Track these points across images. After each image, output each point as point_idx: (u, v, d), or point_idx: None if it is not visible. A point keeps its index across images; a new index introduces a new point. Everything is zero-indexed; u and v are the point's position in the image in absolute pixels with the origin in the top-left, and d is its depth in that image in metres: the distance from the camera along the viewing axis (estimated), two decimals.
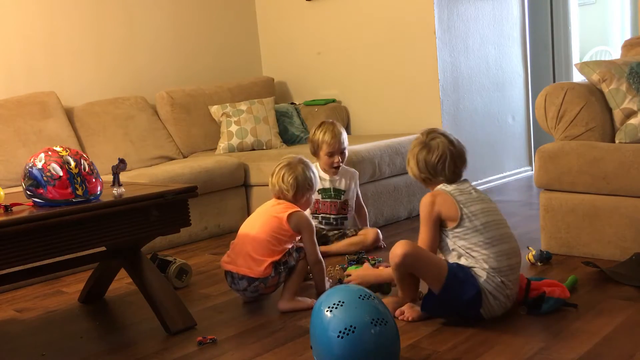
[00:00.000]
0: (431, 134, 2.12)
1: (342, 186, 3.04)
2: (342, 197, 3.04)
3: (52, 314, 2.50)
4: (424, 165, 2.09)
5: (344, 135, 3.03)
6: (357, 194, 3.13)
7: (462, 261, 1.98)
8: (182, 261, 2.72)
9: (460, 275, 1.94)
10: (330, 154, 2.99)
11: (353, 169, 3.15)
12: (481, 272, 1.94)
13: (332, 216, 3.04)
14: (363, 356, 1.58)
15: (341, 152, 3.01)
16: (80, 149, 3.72)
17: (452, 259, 2.01)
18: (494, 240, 1.97)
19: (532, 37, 4.78)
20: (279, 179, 2.37)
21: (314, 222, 2.82)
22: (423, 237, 2.03)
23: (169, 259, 2.72)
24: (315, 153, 3.05)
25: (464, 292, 1.92)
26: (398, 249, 1.96)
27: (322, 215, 3.04)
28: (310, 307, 2.49)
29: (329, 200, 3.03)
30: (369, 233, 2.99)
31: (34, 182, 1.94)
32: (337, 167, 3.02)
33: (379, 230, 3.04)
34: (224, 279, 2.73)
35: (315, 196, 2.96)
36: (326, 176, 3.04)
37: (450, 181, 2.08)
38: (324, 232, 3.02)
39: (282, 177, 2.37)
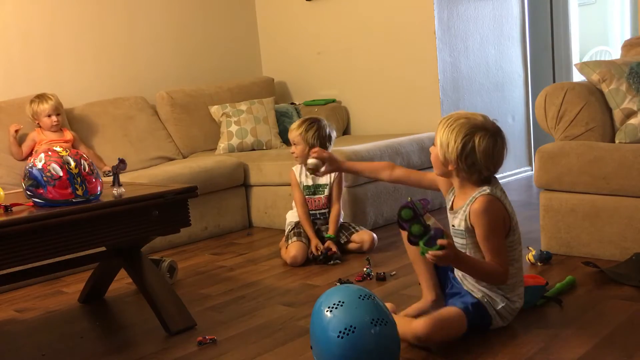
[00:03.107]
0: (491, 121, 1.84)
1: (323, 180, 3.04)
2: (326, 191, 3.05)
3: (52, 314, 2.50)
4: (481, 157, 1.78)
5: (308, 136, 2.93)
6: (338, 188, 3.05)
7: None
8: (170, 259, 2.78)
9: (477, 320, 1.86)
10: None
11: None
12: (502, 299, 1.87)
13: (319, 211, 3.05)
14: (363, 356, 1.58)
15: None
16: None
17: None
18: (518, 256, 1.88)
19: (532, 37, 4.78)
20: None
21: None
22: (497, 251, 1.81)
23: (157, 258, 2.78)
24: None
25: (474, 327, 1.88)
26: (423, 335, 1.76)
27: (312, 212, 3.05)
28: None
29: (313, 197, 3.05)
30: (364, 239, 2.97)
31: (34, 182, 1.94)
32: None
33: (374, 235, 3.01)
34: (224, 279, 2.75)
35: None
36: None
37: (483, 182, 1.86)
38: (317, 227, 3.03)
39: None
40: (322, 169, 2.29)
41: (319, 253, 2.86)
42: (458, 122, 1.82)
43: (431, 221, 1.75)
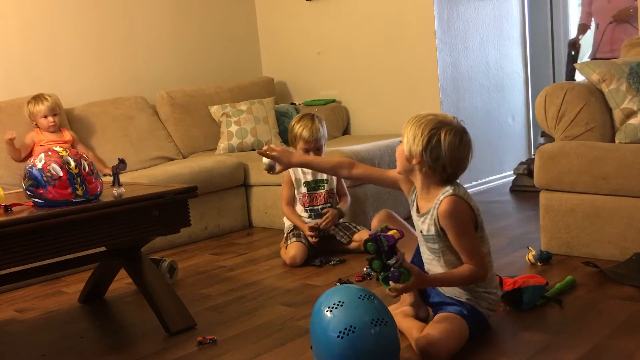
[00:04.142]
0: (459, 121, 1.84)
1: (324, 175, 3.06)
2: (326, 186, 3.06)
3: (52, 314, 2.50)
4: (446, 151, 1.78)
5: (322, 131, 2.99)
6: (341, 182, 3.12)
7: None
8: (170, 259, 2.78)
9: (475, 323, 1.84)
10: (306, 150, 2.97)
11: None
12: (484, 296, 1.87)
13: (319, 206, 3.05)
14: (363, 356, 1.58)
15: (317, 149, 2.97)
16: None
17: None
18: (488, 250, 1.88)
19: (532, 37, 4.78)
20: None
21: (304, 215, 3.05)
22: (471, 250, 1.80)
23: (157, 258, 2.78)
24: (293, 144, 3.04)
25: (474, 331, 1.86)
26: (432, 350, 1.73)
27: (309, 208, 3.05)
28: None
29: (314, 192, 3.05)
30: (364, 238, 2.96)
31: (34, 182, 1.94)
32: None
33: None
34: (224, 279, 2.75)
35: (303, 190, 3.05)
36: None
37: (445, 183, 1.85)
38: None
39: None
40: (277, 168, 2.25)
41: (316, 231, 2.92)
42: (426, 119, 1.84)
43: (396, 259, 1.74)
